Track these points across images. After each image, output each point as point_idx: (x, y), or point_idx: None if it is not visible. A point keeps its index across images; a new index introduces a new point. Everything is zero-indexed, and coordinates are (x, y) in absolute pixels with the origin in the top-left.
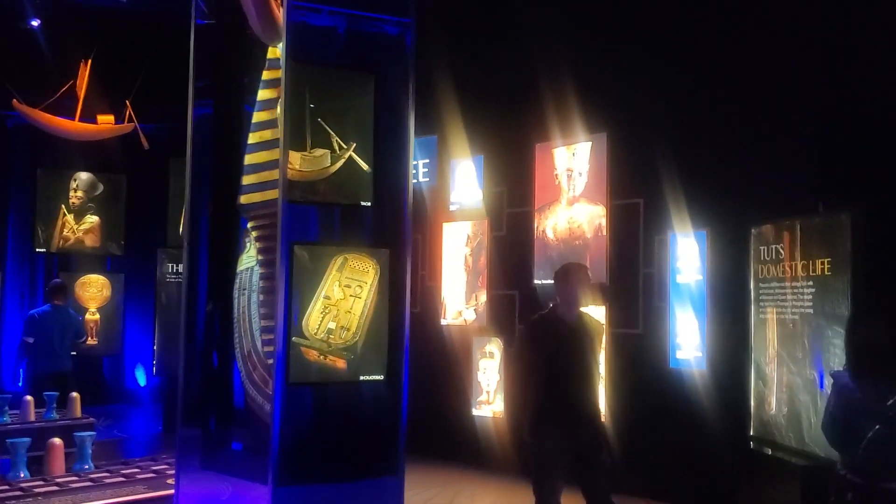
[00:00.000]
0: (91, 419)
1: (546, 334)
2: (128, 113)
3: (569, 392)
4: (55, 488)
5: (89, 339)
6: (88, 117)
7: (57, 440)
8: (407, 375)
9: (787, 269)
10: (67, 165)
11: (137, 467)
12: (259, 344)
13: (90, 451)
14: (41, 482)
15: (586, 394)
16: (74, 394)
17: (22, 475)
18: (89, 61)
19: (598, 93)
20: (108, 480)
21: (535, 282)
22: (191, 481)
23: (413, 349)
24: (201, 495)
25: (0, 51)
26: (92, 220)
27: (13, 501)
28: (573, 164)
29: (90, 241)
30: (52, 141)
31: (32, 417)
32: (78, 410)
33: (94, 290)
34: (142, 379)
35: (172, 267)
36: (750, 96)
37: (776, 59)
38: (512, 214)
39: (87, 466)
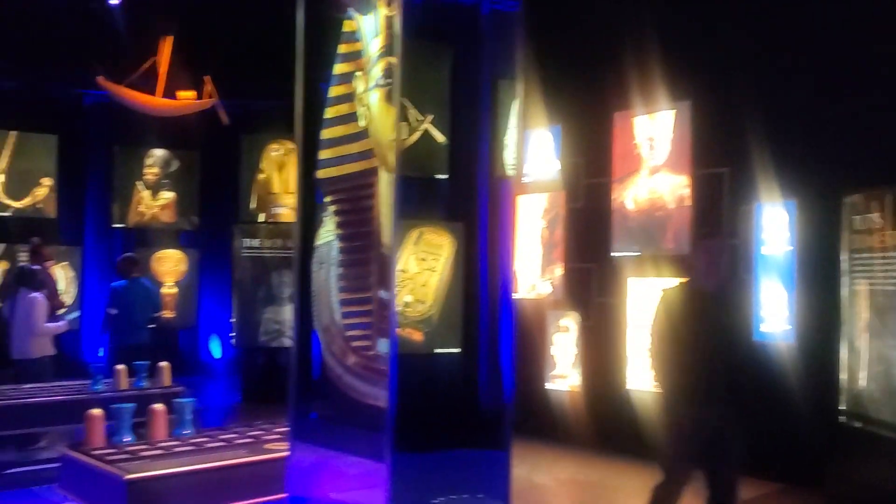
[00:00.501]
0: (180, 387)
1: (684, 307)
2: (207, 89)
3: (708, 368)
4: (160, 452)
5: (166, 312)
6: (168, 94)
7: (159, 406)
8: (486, 349)
9: (882, 239)
10: (142, 142)
11: (235, 433)
12: (338, 317)
13: (190, 417)
14: (146, 446)
15: (724, 370)
16: (164, 363)
17: (127, 439)
18: (171, 38)
19: (682, 59)
20: (208, 445)
21: (614, 254)
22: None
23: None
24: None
25: (83, 29)
26: (167, 195)
27: (124, 462)
28: (655, 132)
29: (165, 217)
30: (127, 118)
31: (125, 386)
32: (168, 379)
33: (170, 265)
34: (216, 351)
35: (247, 242)
36: (841, 60)
37: (869, 20)
38: (589, 185)
39: (187, 432)
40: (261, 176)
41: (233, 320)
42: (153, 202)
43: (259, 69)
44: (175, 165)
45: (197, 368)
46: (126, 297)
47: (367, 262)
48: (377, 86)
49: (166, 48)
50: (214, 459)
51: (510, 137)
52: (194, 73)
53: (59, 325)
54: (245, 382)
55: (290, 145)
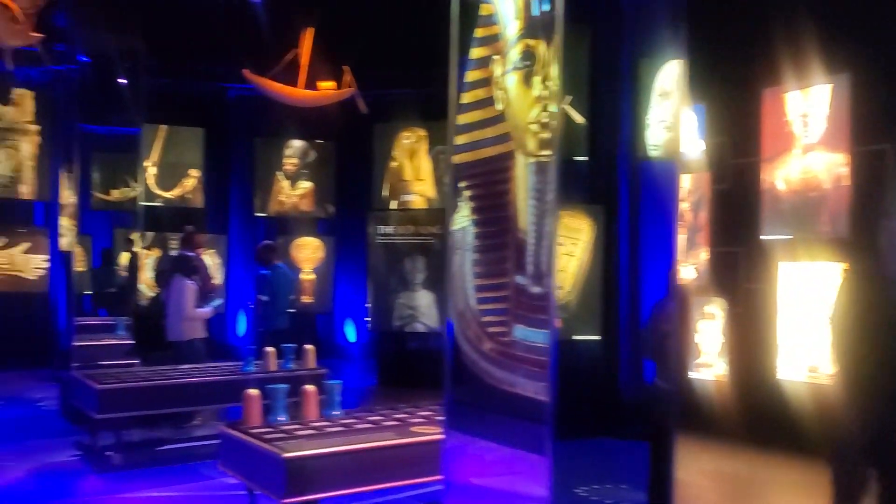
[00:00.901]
0: (325, 369)
1: (871, 294)
2: (346, 79)
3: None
4: (313, 431)
5: (305, 297)
6: (309, 85)
7: (311, 387)
8: (627, 336)
9: None
10: (282, 134)
11: (381, 415)
12: (473, 302)
13: (339, 399)
14: (299, 426)
15: None
16: (309, 346)
17: (281, 419)
18: (311, 30)
19: (839, 29)
20: (357, 426)
21: (763, 237)
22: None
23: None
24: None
25: (227, 26)
26: (305, 185)
27: (280, 441)
28: (809, 108)
29: (304, 206)
30: (267, 111)
31: (273, 367)
32: (313, 361)
33: (308, 252)
34: (352, 335)
35: (381, 228)
36: None
37: None
38: (736, 166)
39: (336, 412)
40: (393, 164)
41: (368, 305)
42: (292, 191)
43: (391, 59)
44: (312, 156)
45: (333, 351)
46: (272, 283)
47: (502, 247)
48: (515, 69)
49: (307, 40)
50: (367, 440)
51: (654, 117)
52: (333, 64)
53: (206, 311)
54: (380, 366)
55: (421, 133)
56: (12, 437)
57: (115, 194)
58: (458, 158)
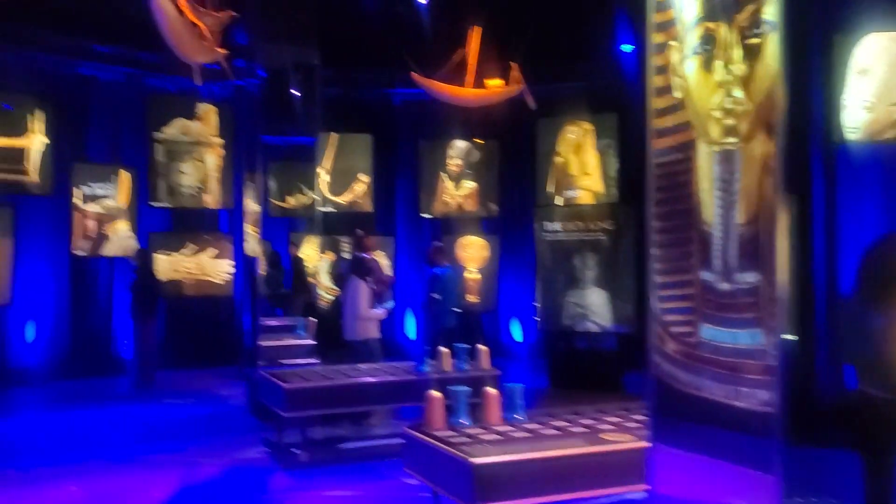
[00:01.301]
0: (498, 370)
1: None
2: (514, 75)
3: None
4: (498, 436)
5: (470, 296)
6: (476, 83)
7: (492, 390)
8: (824, 336)
9: None
10: (445, 136)
11: (566, 420)
12: (653, 300)
13: (521, 402)
14: (483, 430)
15: None
16: (483, 347)
17: (463, 422)
18: (479, 28)
19: None
20: (543, 432)
21: None
22: None
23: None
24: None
25: (392, 31)
26: (469, 185)
27: (466, 446)
28: None
29: (468, 205)
30: (431, 114)
31: (448, 368)
32: (487, 362)
33: (473, 251)
34: (518, 334)
35: (548, 225)
36: None
37: None
38: None
39: (518, 416)
40: (558, 159)
41: (536, 304)
42: (456, 192)
43: (553, 53)
44: (475, 155)
45: (499, 351)
46: (445, 282)
47: (685, 241)
48: (694, 54)
49: (475, 39)
50: (556, 447)
51: (851, 97)
52: (499, 62)
53: (378, 313)
54: (550, 366)
55: (586, 126)
56: (205, 433)
57: (291, 201)
58: (657, 143)
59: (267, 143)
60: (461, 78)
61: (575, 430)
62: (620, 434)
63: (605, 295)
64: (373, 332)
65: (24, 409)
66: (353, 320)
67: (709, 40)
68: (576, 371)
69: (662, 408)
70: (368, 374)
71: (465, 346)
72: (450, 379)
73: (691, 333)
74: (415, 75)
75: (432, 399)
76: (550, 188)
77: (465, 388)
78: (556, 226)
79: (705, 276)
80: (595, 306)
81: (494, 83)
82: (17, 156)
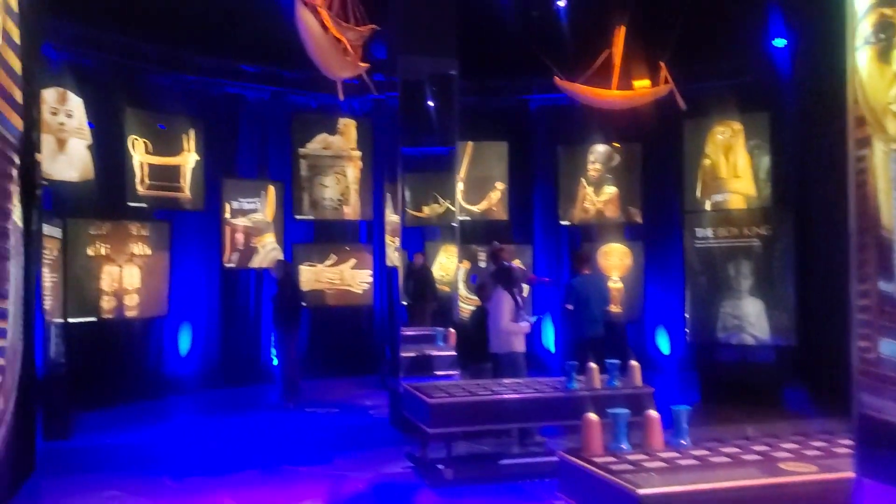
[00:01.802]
0: (651, 388)
1: None
2: (663, 75)
3: None
4: (664, 464)
5: (613, 306)
6: (622, 85)
7: (654, 413)
8: None
9: None
10: (584, 140)
11: (736, 446)
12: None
13: (686, 427)
14: (646, 456)
15: None
16: (634, 363)
17: (624, 447)
18: (623, 27)
19: None
20: (712, 460)
21: None
22: None
23: None
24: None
25: (530, 36)
26: (610, 190)
27: (630, 474)
28: None
29: (609, 212)
30: (569, 118)
31: (598, 385)
32: (639, 379)
33: (615, 259)
34: (665, 346)
35: (698, 231)
36: None
37: None
38: None
39: (683, 441)
40: (706, 161)
41: (686, 315)
42: (596, 198)
43: (700, 50)
44: (616, 160)
45: (644, 364)
46: (583, 291)
47: (861, 248)
48: (867, 43)
49: (620, 39)
50: (730, 478)
51: None
52: (646, 61)
53: (522, 326)
54: (702, 380)
55: (736, 126)
56: (350, 445)
57: (426, 211)
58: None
59: (405, 154)
60: (606, 80)
61: (749, 457)
62: (800, 463)
63: (762, 304)
64: (518, 345)
65: (178, 417)
66: (497, 333)
67: (885, 28)
68: (730, 385)
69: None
70: (514, 389)
71: (615, 361)
72: (601, 397)
73: (869, 349)
74: (558, 80)
75: (589, 423)
76: (699, 192)
77: (626, 412)
78: (708, 232)
79: (884, 286)
80: (751, 317)
81: (642, 84)
82: (174, 173)
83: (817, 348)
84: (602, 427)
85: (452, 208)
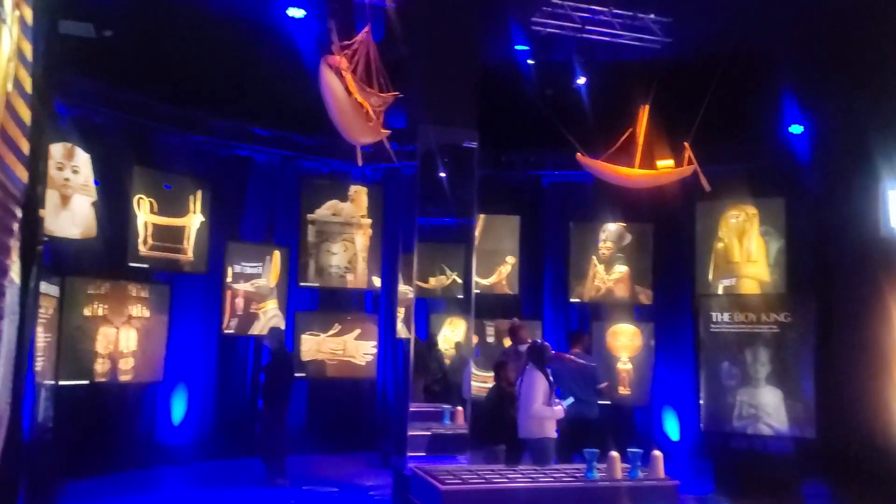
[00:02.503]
0: (676, 480)
1: None
2: (687, 156)
3: None
4: None
5: (621, 388)
6: (644, 164)
7: None
8: None
9: None
10: (596, 218)
11: None
12: None
13: None
14: None
15: None
16: (657, 453)
17: None
18: (647, 107)
19: None
20: None
21: None
22: None
23: None
24: None
25: (551, 110)
26: (621, 269)
27: None
28: None
29: (619, 291)
30: (581, 196)
31: (619, 475)
32: (661, 469)
33: (625, 340)
34: (674, 432)
35: (712, 315)
36: None
37: None
38: None
39: None
40: (719, 245)
41: (700, 402)
42: (607, 276)
43: (715, 132)
44: (628, 239)
45: (651, 448)
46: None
47: None
48: None
49: (643, 117)
50: None
51: None
52: (668, 141)
53: (557, 411)
54: (716, 470)
55: (751, 210)
56: None
57: (432, 282)
58: None
59: (420, 224)
60: (627, 158)
61: None
62: None
63: (780, 394)
64: (550, 431)
65: (170, 489)
66: (528, 417)
67: None
68: (745, 476)
69: None
70: (530, 477)
71: (637, 450)
72: (622, 488)
73: None
74: (580, 156)
75: None
76: (711, 275)
77: None
78: (725, 316)
79: None
80: (769, 406)
81: (665, 164)
82: (178, 234)
83: (838, 442)
84: None
85: (459, 280)
